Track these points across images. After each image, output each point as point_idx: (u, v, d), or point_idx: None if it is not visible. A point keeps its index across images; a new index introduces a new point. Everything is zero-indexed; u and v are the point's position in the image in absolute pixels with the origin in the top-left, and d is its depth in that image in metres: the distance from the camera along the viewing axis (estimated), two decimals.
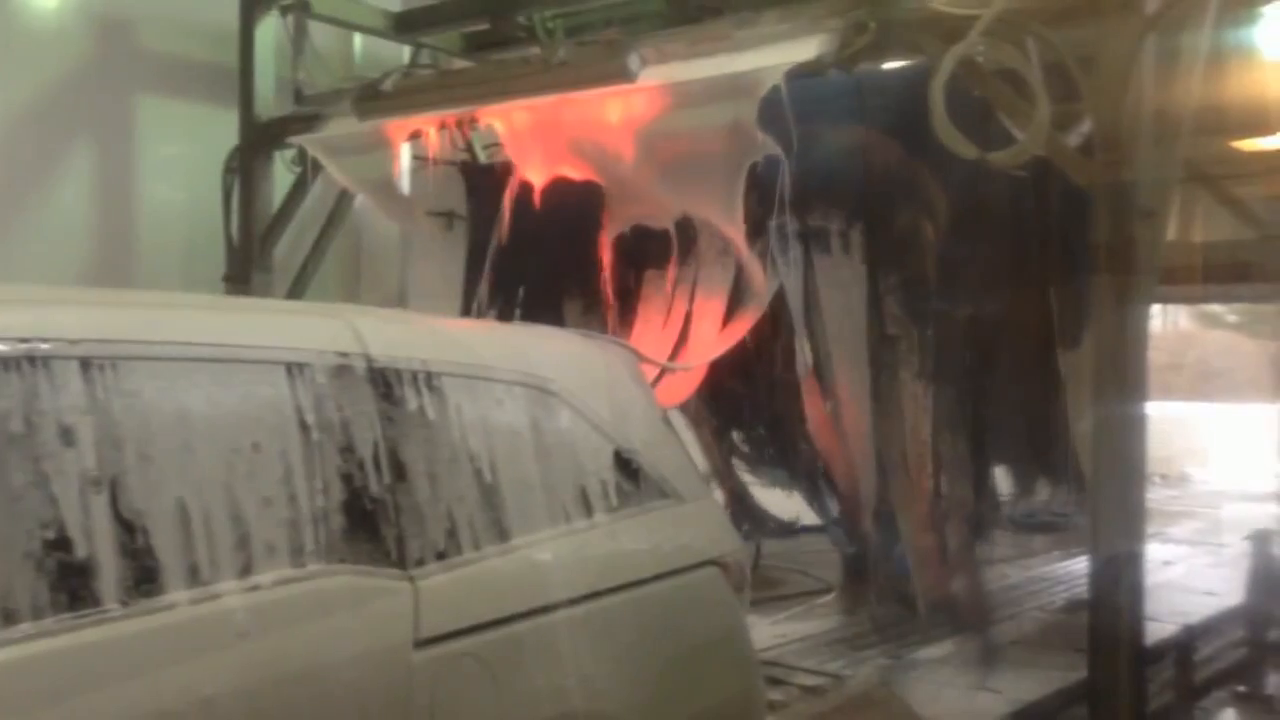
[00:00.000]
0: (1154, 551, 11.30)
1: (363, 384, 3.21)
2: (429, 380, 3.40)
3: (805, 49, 5.70)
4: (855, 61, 5.78)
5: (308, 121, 8.12)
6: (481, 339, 3.93)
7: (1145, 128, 5.02)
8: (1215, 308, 18.74)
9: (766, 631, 8.22)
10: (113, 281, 8.01)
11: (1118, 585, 5.00)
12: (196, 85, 8.78)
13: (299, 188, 8.64)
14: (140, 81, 8.57)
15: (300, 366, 3.07)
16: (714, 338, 7.23)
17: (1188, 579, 10.62)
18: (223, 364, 2.92)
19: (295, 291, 8.77)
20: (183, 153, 8.77)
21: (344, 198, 8.96)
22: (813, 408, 7.62)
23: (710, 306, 7.23)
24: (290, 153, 8.50)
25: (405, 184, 7.69)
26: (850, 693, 6.96)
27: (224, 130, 8.57)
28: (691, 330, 7.33)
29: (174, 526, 2.69)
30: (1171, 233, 6.12)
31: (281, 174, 8.67)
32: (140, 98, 8.58)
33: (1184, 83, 5.14)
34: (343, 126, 7.79)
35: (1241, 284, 8.11)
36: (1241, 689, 6.87)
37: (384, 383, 3.27)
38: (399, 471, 3.22)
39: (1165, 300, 14.36)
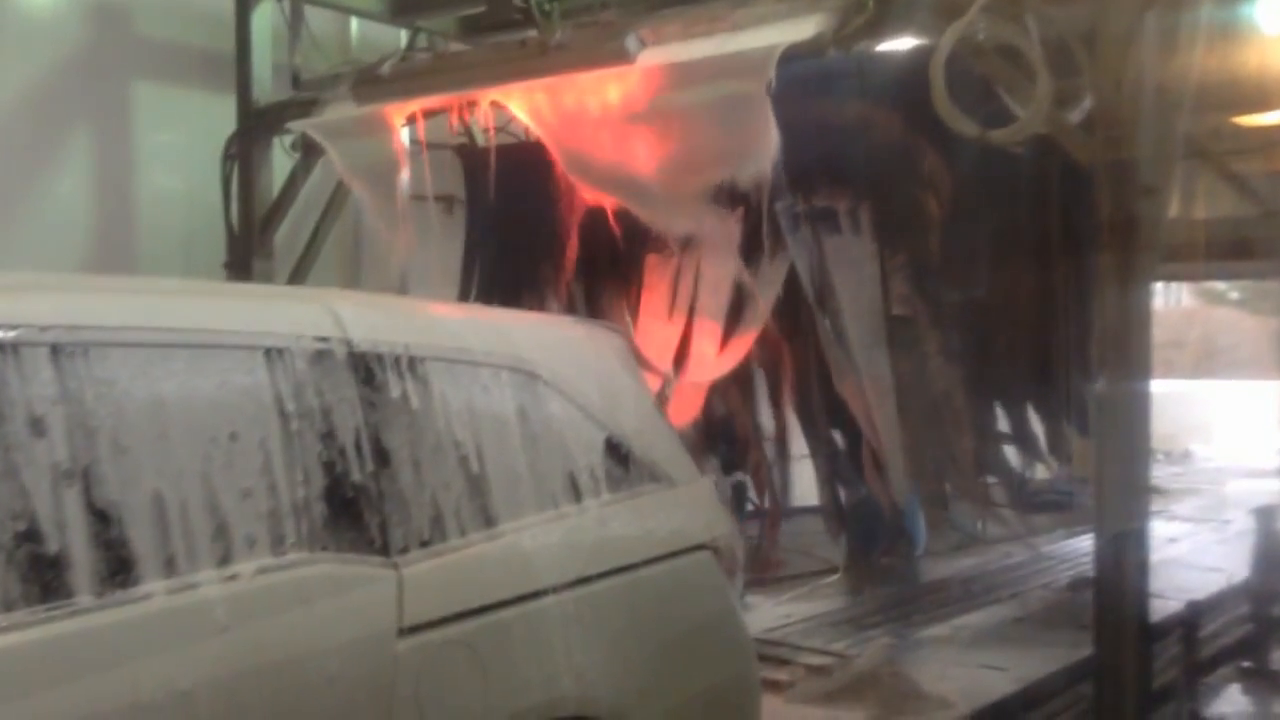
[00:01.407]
0: (1159, 528, 11.32)
1: (343, 369, 3.16)
2: (412, 365, 3.35)
3: (803, 29, 5.67)
4: (854, 41, 5.75)
5: (305, 106, 8.10)
6: (465, 323, 3.86)
7: (1146, 104, 4.99)
8: (1218, 285, 18.72)
9: (772, 612, 8.24)
10: (113, 270, 7.99)
11: (1122, 562, 5.00)
12: (193, 71, 8.75)
13: (298, 173, 8.63)
14: (137, 68, 8.54)
15: (279, 352, 3.01)
16: (716, 343, 7.21)
17: (1192, 555, 10.65)
18: (199, 350, 2.86)
19: (296, 277, 8.76)
20: (181, 139, 8.74)
21: (344, 182, 8.93)
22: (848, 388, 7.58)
23: (715, 300, 7.19)
24: (289, 138, 8.49)
25: (405, 168, 7.67)
26: (856, 671, 6.97)
27: (222, 116, 8.54)
28: (694, 330, 7.29)
29: (149, 516, 2.63)
30: (1173, 209, 6.09)
31: (281, 159, 8.66)
32: (137, 85, 8.55)
33: (1184, 58, 5.11)
34: (340, 111, 7.78)
35: (1243, 260, 8.08)
36: (1247, 664, 6.87)
37: (365, 368, 3.21)
38: (381, 458, 3.16)
39: (1167, 278, 14.33)
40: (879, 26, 5.68)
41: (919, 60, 5.40)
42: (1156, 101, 5.03)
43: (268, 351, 2.99)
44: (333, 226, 9.00)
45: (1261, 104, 6.89)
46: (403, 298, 4.72)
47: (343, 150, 8.06)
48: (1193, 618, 6.15)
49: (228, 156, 8.55)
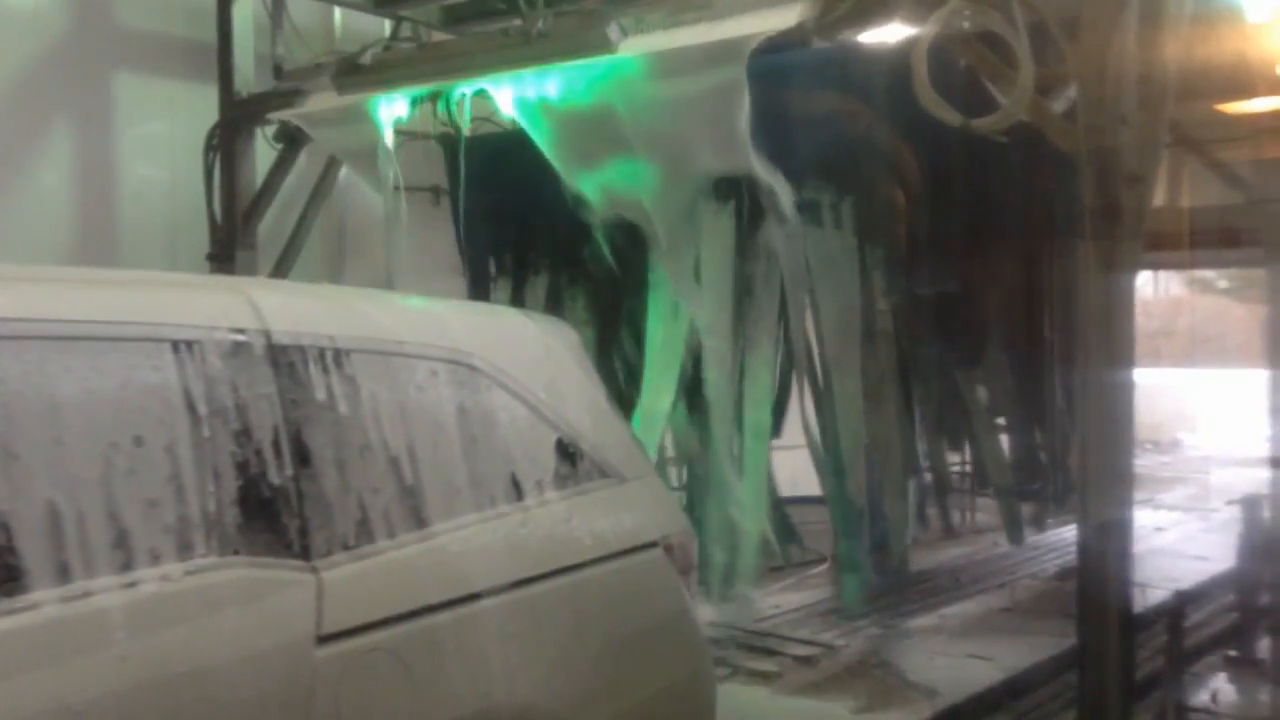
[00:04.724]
0: (1146, 517, 11.35)
1: (261, 363, 2.97)
2: (337, 358, 3.16)
3: (786, 16, 5.65)
4: (836, 29, 5.73)
5: (288, 97, 8.06)
6: (398, 314, 3.66)
7: (1130, 91, 4.97)
8: (1206, 273, 18.72)
9: (761, 602, 8.23)
10: (96, 263, 7.95)
11: (1106, 552, 4.99)
12: (175, 62, 8.71)
13: (281, 164, 8.59)
14: (118, 59, 8.50)
15: (188, 345, 2.83)
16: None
17: (1179, 544, 10.65)
18: (99, 343, 2.67)
19: (280, 269, 8.74)
20: (163, 130, 8.70)
21: (327, 173, 8.91)
22: None
23: (718, 304, 7.13)
24: (272, 129, 8.45)
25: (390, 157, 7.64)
26: (844, 662, 6.96)
27: (204, 107, 8.52)
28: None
29: (40, 520, 2.46)
30: (1159, 198, 6.08)
31: (264, 150, 8.62)
32: (119, 75, 8.51)
33: (1169, 45, 5.09)
34: (323, 102, 7.74)
35: (1230, 249, 8.08)
36: (1232, 653, 6.88)
37: (286, 361, 3.03)
38: (302, 457, 2.98)
39: (1154, 266, 14.35)
40: (861, 14, 5.66)
41: (901, 52, 5.38)
42: (1141, 89, 5.00)
43: (176, 345, 2.81)
44: (316, 218, 8.97)
45: (1245, 91, 6.87)
46: (331, 286, 4.46)
47: (327, 139, 8.05)
48: (1179, 607, 6.14)
49: (210, 148, 8.51)
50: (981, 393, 7.38)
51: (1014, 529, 7.83)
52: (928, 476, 7.58)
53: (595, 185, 7.09)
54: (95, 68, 8.41)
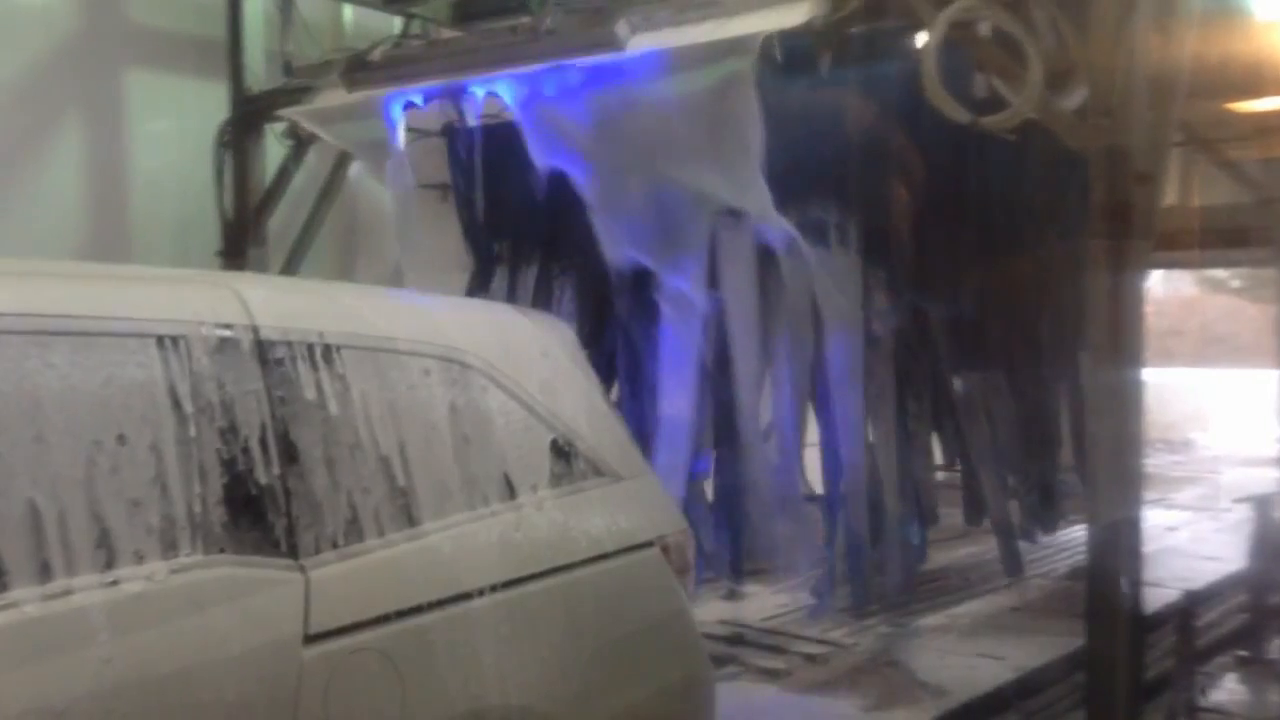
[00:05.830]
0: (1157, 517, 11.31)
1: (249, 359, 2.94)
2: (326, 354, 3.12)
3: (795, 14, 5.63)
4: (845, 26, 5.72)
5: (297, 94, 8.07)
6: (389, 309, 3.61)
7: (1140, 90, 4.95)
8: (1218, 273, 18.66)
9: (769, 601, 8.23)
10: (107, 259, 7.96)
11: (1115, 552, 4.97)
12: (186, 58, 8.72)
13: (291, 161, 8.60)
14: (129, 56, 8.51)
15: (174, 340, 2.79)
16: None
17: (1191, 544, 10.61)
18: (81, 338, 2.64)
19: (290, 266, 8.75)
20: (173, 127, 8.71)
21: (338, 170, 8.92)
22: None
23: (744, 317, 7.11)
24: (282, 125, 8.46)
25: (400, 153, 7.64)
26: (853, 661, 6.96)
27: (214, 104, 8.53)
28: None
29: (23, 518, 2.44)
30: (1170, 197, 6.06)
31: (274, 147, 8.63)
32: (129, 72, 8.52)
33: (1178, 44, 5.08)
34: (332, 98, 7.75)
35: (1240, 248, 8.06)
36: (1244, 654, 6.85)
37: (273, 358, 2.99)
38: (290, 454, 2.95)
39: (1165, 265, 14.32)
40: (871, 12, 5.65)
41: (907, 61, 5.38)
42: (1150, 88, 4.99)
43: (161, 340, 2.78)
44: (327, 215, 8.99)
45: (1255, 91, 6.85)
46: (322, 282, 4.41)
47: (336, 135, 8.06)
48: (1189, 607, 6.13)
49: (220, 144, 8.53)
50: (960, 386, 7.37)
51: (1011, 562, 7.85)
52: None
53: (627, 227, 7.05)
54: (106, 64, 8.42)
